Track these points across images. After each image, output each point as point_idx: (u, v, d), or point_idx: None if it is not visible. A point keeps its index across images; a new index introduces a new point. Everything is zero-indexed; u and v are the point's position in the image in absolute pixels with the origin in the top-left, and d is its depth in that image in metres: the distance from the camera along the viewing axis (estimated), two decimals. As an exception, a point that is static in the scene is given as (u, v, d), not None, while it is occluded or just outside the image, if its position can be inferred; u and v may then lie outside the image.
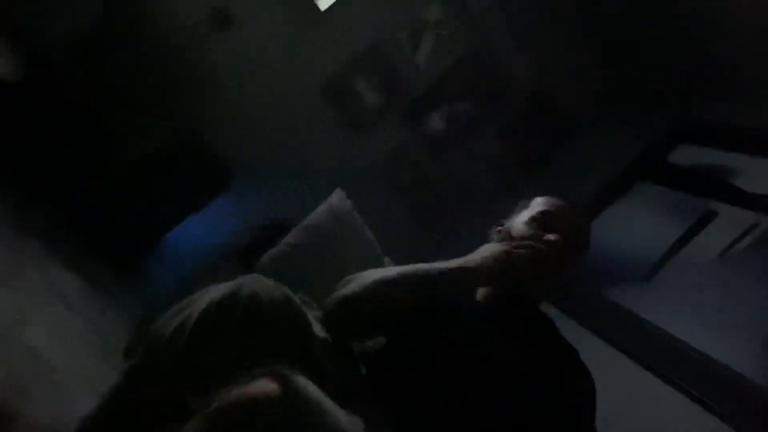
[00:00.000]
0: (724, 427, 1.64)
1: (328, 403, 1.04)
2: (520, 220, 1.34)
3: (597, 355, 2.01)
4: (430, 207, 2.93)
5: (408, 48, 2.91)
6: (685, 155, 2.51)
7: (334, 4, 2.74)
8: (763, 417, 1.62)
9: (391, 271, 1.24)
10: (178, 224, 2.27)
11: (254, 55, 2.60)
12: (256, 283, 1.14)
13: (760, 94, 2.33)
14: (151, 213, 2.24)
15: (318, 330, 1.17)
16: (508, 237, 1.32)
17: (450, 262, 1.23)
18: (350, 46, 2.79)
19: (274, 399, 0.98)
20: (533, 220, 1.31)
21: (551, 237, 1.25)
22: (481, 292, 1.31)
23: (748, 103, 2.40)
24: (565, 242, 1.25)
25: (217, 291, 1.12)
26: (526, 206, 1.37)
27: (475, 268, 1.21)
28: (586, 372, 1.28)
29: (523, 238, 1.28)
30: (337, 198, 1.80)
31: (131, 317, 1.86)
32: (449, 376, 1.18)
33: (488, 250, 1.24)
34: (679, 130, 2.59)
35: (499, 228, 1.38)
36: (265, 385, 1.01)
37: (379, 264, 1.66)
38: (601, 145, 2.87)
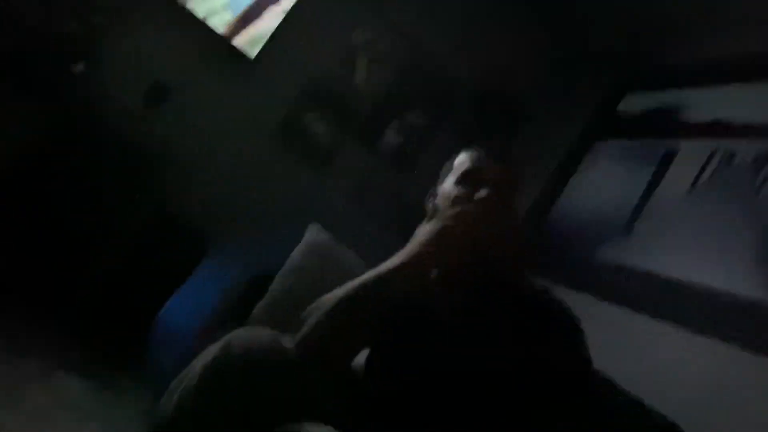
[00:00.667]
0: (736, 350, 1.67)
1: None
2: (447, 185, 1.30)
3: (600, 316, 2.06)
4: (409, 222, 2.96)
5: (345, 74, 2.96)
6: (632, 104, 2.56)
7: (262, 50, 2.77)
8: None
9: (340, 291, 1.19)
10: (165, 302, 2.27)
11: (199, 120, 2.63)
12: (241, 335, 1.13)
13: (693, 28, 2.39)
14: (137, 299, 2.24)
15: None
16: (441, 204, 1.28)
17: (389, 260, 1.21)
18: (289, 87, 2.82)
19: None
20: (458, 182, 1.27)
21: (481, 194, 1.22)
22: (438, 274, 1.27)
23: (682, 39, 2.46)
24: (496, 193, 1.22)
25: (207, 354, 1.12)
26: (450, 169, 1.33)
27: (410, 257, 1.18)
28: (565, 312, 1.25)
29: (452, 202, 1.24)
30: (313, 233, 1.81)
31: (144, 405, 1.85)
32: (435, 367, 1.17)
33: (420, 234, 1.22)
34: (622, 82, 2.65)
35: (431, 197, 1.34)
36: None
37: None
38: (556, 119, 2.93)
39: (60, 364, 1.82)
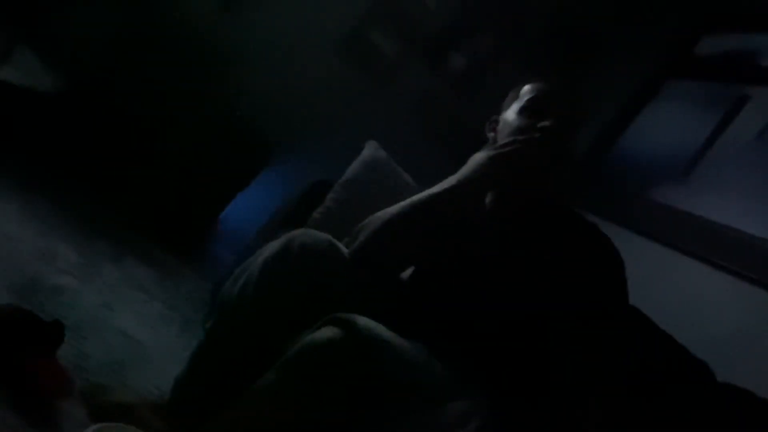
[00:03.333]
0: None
1: (389, 335, 1.12)
2: (510, 113, 1.32)
3: (646, 254, 2.07)
4: (467, 146, 2.97)
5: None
6: (709, 45, 2.46)
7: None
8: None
9: (393, 209, 1.27)
10: (229, 203, 2.40)
11: (267, 29, 2.66)
12: (303, 235, 1.23)
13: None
14: (203, 197, 2.37)
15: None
16: (502, 134, 1.31)
17: (442, 183, 1.26)
18: (358, 0, 2.82)
19: (338, 341, 1.07)
20: (523, 109, 1.29)
21: (545, 123, 1.24)
22: (490, 200, 1.33)
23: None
24: (559, 123, 1.24)
25: (270, 248, 1.22)
26: (516, 97, 1.34)
27: (462, 183, 1.24)
28: (609, 245, 1.29)
29: (513, 132, 1.27)
30: (370, 150, 1.87)
31: (203, 293, 2.00)
32: (479, 286, 1.23)
33: (473, 161, 1.26)
34: (699, 22, 2.53)
35: (493, 124, 1.37)
36: (327, 331, 1.10)
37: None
38: (626, 53, 2.84)
39: (131, 250, 1.97)
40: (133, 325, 1.57)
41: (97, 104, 2.26)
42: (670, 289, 1.84)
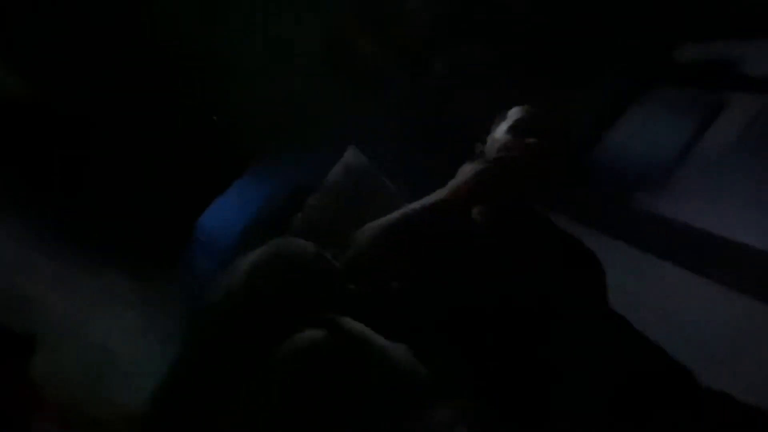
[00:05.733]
0: (761, 306, 1.69)
1: (375, 337, 1.13)
2: (498, 133, 1.39)
3: (628, 261, 2.08)
4: (453, 151, 2.99)
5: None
6: (688, 52, 2.49)
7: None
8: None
9: (384, 221, 1.30)
10: (205, 208, 2.37)
11: (247, 33, 2.64)
12: (289, 244, 1.23)
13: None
14: (180, 204, 2.33)
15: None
16: (490, 150, 1.36)
17: (433, 194, 1.29)
18: (340, 4, 2.79)
19: (321, 342, 1.07)
20: (510, 129, 1.36)
21: (529, 140, 1.30)
22: (477, 212, 1.38)
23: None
24: (544, 143, 1.30)
25: (254, 257, 1.21)
26: (503, 118, 1.42)
27: (452, 193, 1.28)
28: (591, 255, 1.34)
29: (501, 148, 1.32)
30: (350, 155, 1.86)
31: (181, 302, 1.97)
32: (467, 295, 1.25)
33: (463, 171, 1.30)
34: (678, 29, 2.56)
35: (481, 144, 1.44)
36: (311, 333, 1.10)
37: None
38: (607, 60, 2.86)
39: (107, 260, 1.94)
40: (109, 337, 1.54)
41: (70, 111, 2.23)
42: (651, 296, 1.85)
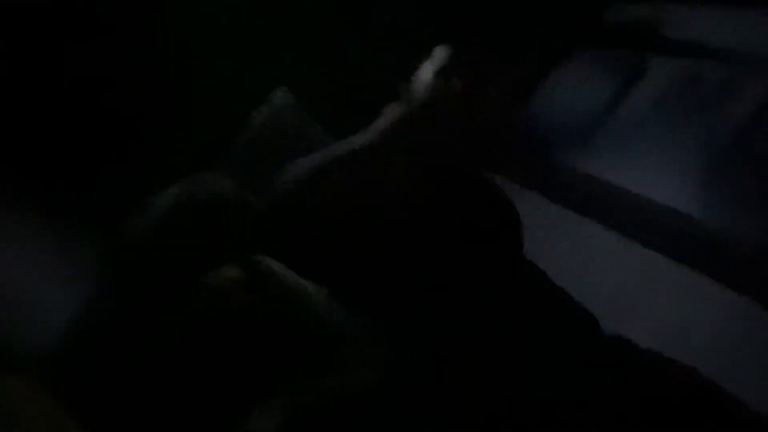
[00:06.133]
0: (665, 259, 1.78)
1: (294, 277, 1.12)
2: (424, 73, 1.37)
3: (547, 216, 2.15)
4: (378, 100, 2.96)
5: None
6: (614, 13, 2.54)
7: None
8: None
9: (309, 161, 1.28)
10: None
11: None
12: (208, 181, 1.20)
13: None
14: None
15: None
16: (415, 92, 1.35)
17: (358, 136, 1.27)
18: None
19: (239, 280, 1.06)
20: (437, 72, 1.34)
21: (456, 84, 1.29)
22: (402, 157, 1.35)
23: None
24: (472, 87, 1.29)
25: (174, 192, 1.18)
26: (431, 58, 1.39)
27: (379, 137, 1.28)
28: (508, 204, 1.35)
29: (427, 89, 1.31)
30: (279, 95, 1.83)
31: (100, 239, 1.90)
32: (383, 240, 1.26)
33: (388, 115, 1.29)
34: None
35: (405, 84, 1.40)
36: (229, 270, 1.08)
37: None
38: (537, 18, 2.88)
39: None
40: (17, 278, 1.46)
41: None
42: (567, 248, 1.92)
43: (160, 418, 1.05)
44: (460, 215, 1.31)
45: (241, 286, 1.05)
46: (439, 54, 1.38)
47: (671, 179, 1.94)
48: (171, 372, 1.07)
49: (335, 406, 1.01)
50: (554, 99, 2.48)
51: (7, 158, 1.98)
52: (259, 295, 1.05)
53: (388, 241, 1.25)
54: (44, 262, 1.62)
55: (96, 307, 1.18)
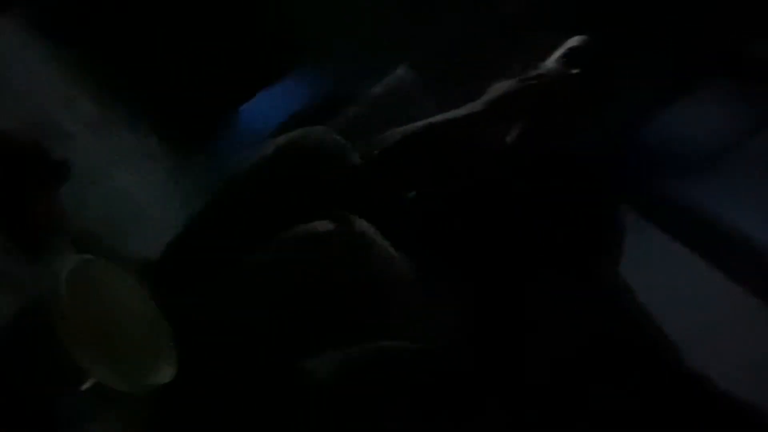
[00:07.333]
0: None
1: (383, 242, 1.15)
2: (549, 60, 1.32)
3: (652, 242, 2.08)
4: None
5: None
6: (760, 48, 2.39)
7: None
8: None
9: (411, 127, 1.29)
10: (251, 97, 2.38)
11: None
12: (322, 131, 1.26)
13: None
14: (225, 85, 2.33)
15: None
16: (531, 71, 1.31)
17: (463, 108, 1.25)
18: None
19: (331, 235, 1.10)
20: (562, 56, 1.30)
21: (577, 70, 1.25)
22: (509, 133, 1.33)
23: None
24: (591, 74, 1.25)
25: (283, 137, 1.24)
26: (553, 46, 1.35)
27: (485, 110, 1.23)
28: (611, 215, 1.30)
29: (543, 72, 1.27)
30: (401, 72, 1.87)
31: (212, 177, 2.01)
32: (482, 217, 1.25)
33: (497, 89, 1.25)
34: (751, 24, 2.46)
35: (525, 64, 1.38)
36: (323, 224, 1.13)
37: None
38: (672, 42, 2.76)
39: (148, 121, 1.97)
40: (136, 189, 1.59)
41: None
42: (661, 274, 1.86)
43: (233, 350, 1.11)
44: (554, 209, 1.28)
45: (332, 240, 1.09)
46: (570, 42, 1.34)
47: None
48: (253, 310, 1.12)
49: (388, 368, 1.04)
50: (681, 122, 2.38)
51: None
52: (347, 253, 1.08)
53: (475, 218, 1.25)
54: (162, 179, 1.74)
55: (197, 227, 1.25)
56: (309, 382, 1.08)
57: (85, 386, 0.87)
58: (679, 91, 2.58)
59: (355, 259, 1.08)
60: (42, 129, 1.40)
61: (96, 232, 1.30)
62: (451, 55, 2.79)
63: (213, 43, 2.35)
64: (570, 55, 1.28)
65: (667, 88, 2.67)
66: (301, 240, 1.11)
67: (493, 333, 1.19)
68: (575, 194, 1.29)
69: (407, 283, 1.14)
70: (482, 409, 1.08)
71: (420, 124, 1.28)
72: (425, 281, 1.17)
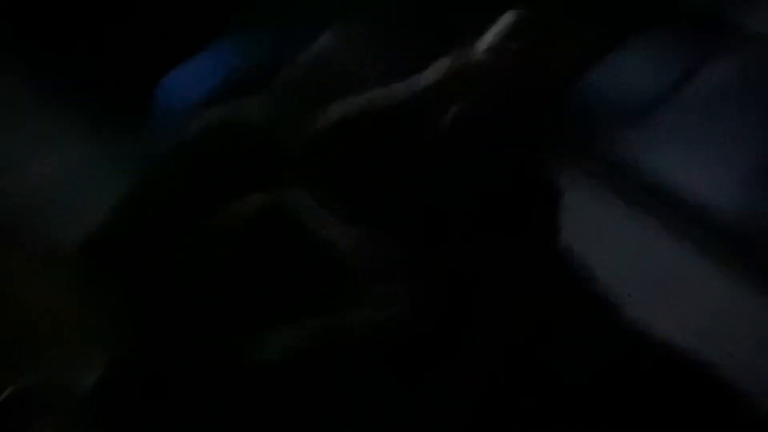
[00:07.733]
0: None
1: (327, 216, 1.16)
2: (487, 36, 1.35)
3: (590, 199, 2.12)
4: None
5: None
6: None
7: None
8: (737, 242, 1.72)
9: (353, 103, 1.29)
10: (175, 66, 2.30)
11: None
12: (257, 106, 1.24)
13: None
14: (146, 58, 2.26)
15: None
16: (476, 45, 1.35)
17: (405, 83, 1.27)
18: None
19: (266, 211, 1.10)
20: (501, 33, 1.32)
21: (515, 47, 1.27)
22: (450, 111, 1.36)
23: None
24: (535, 50, 1.27)
25: (212, 111, 1.22)
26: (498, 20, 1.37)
27: (428, 87, 1.24)
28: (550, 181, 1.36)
29: (489, 45, 1.30)
30: (333, 33, 1.81)
31: (137, 149, 1.96)
32: (418, 188, 1.27)
33: (439, 65, 1.27)
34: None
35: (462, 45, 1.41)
36: (256, 199, 1.12)
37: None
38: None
39: (63, 95, 1.89)
40: (56, 175, 1.53)
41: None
42: (598, 232, 1.90)
43: (175, 332, 1.11)
44: (494, 179, 1.32)
45: (268, 215, 1.10)
46: (506, 17, 1.36)
47: (717, 173, 1.90)
48: (187, 293, 1.12)
49: (341, 339, 1.07)
50: (613, 77, 2.43)
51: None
52: (284, 227, 1.10)
53: (424, 192, 1.27)
54: (84, 159, 1.70)
55: (124, 210, 1.24)
56: (264, 359, 1.10)
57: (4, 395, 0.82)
58: (611, 46, 2.63)
59: (294, 232, 1.10)
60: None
61: (11, 225, 1.24)
62: (386, 18, 2.78)
63: (135, 8, 2.27)
64: (510, 32, 1.30)
65: (599, 42, 2.72)
66: (236, 217, 1.12)
67: (445, 298, 1.22)
68: (506, 154, 1.33)
69: (354, 252, 1.16)
70: (444, 375, 1.12)
71: (364, 98, 1.29)
72: (374, 250, 1.19)
